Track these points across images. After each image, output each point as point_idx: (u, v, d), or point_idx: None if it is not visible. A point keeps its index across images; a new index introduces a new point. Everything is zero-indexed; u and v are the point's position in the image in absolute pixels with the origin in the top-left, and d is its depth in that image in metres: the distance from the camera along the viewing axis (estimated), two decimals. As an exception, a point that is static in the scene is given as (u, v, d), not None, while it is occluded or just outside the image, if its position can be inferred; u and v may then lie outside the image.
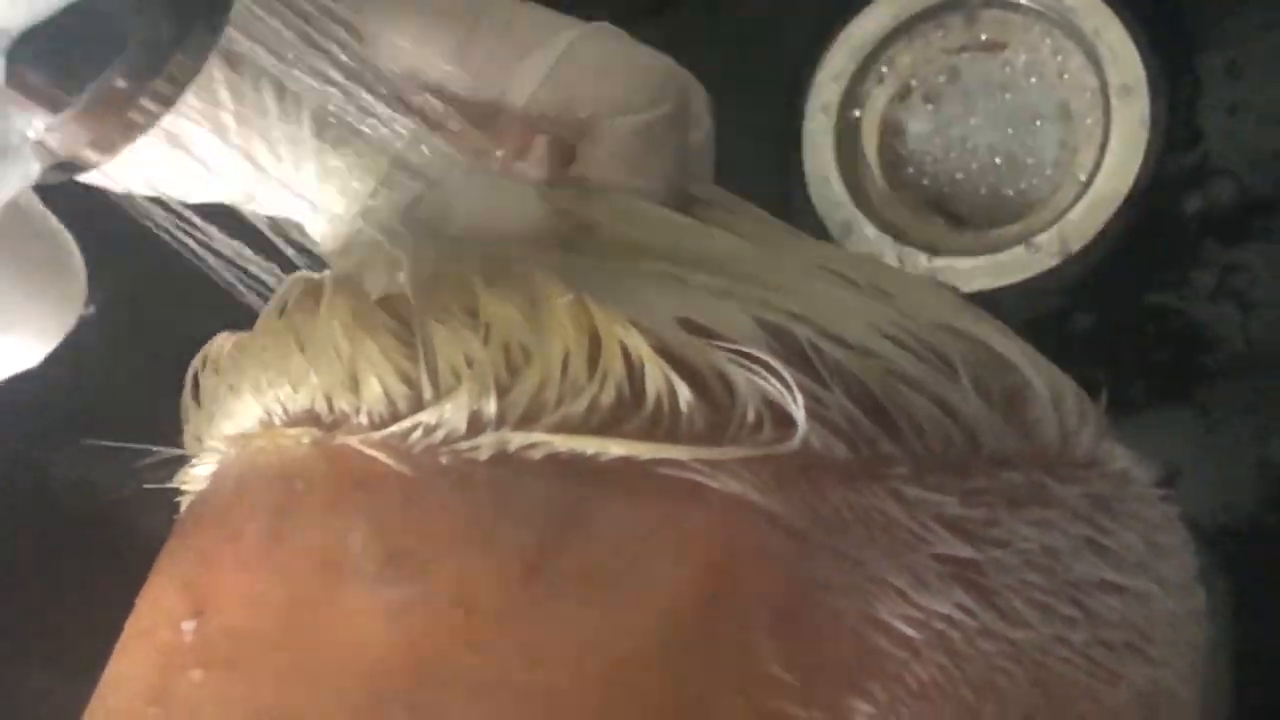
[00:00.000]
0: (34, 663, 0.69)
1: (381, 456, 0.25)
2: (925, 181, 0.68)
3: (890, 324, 0.27)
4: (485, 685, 0.23)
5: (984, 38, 0.67)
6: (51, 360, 0.31)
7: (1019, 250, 0.64)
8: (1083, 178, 0.65)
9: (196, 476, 0.29)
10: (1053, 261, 0.64)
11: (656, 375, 0.25)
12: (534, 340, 0.25)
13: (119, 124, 0.25)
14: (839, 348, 0.26)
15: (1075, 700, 0.26)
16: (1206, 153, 0.63)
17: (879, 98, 0.68)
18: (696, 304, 0.26)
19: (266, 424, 0.27)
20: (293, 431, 0.26)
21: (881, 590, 0.24)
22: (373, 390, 0.26)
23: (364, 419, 0.26)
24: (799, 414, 0.24)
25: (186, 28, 0.25)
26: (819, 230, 0.66)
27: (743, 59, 0.69)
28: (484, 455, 0.25)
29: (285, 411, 0.27)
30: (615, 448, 0.25)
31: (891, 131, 0.69)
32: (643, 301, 0.26)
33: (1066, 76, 0.66)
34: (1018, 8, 0.66)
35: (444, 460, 0.25)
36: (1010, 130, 0.67)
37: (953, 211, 0.68)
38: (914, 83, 0.68)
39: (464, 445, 0.25)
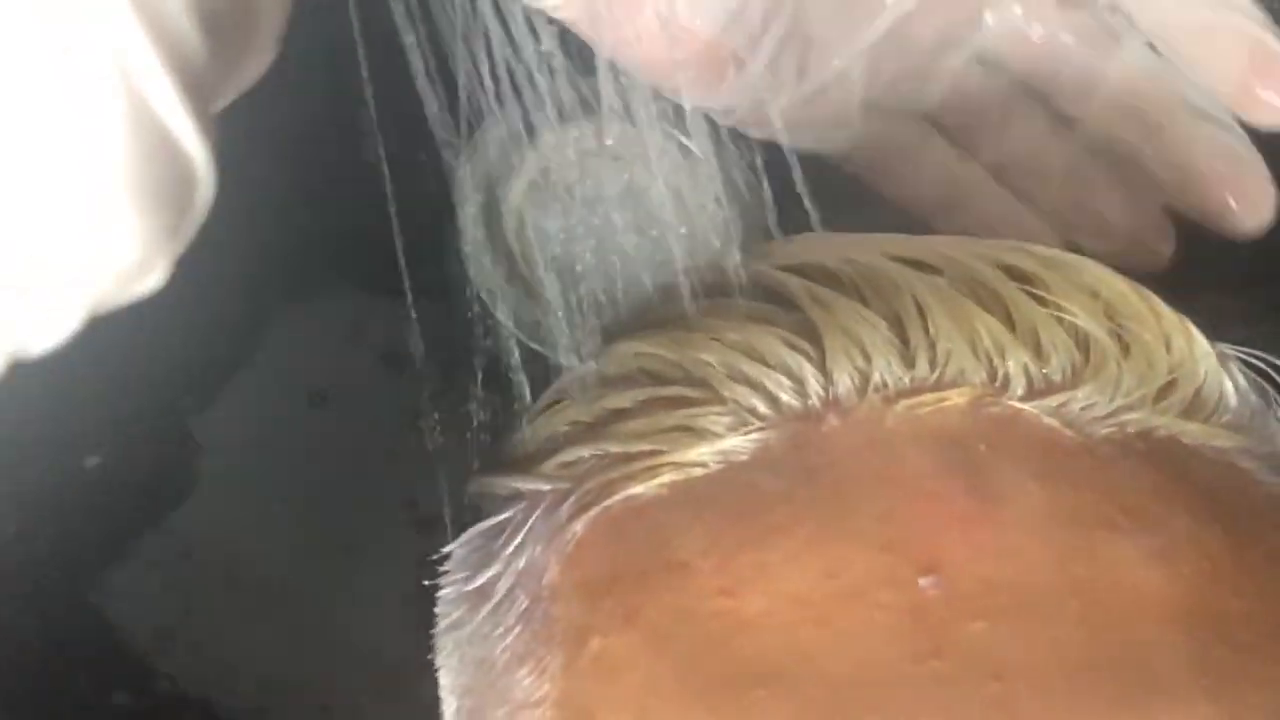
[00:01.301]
0: None
1: (1057, 424, 0.28)
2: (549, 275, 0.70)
3: None
4: (1254, 625, 0.26)
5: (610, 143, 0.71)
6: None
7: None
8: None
9: (730, 449, 0.29)
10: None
11: (1220, 377, 0.30)
12: (1128, 328, 0.30)
13: None
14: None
15: None
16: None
17: (517, 189, 0.69)
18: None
19: (889, 389, 0.29)
20: (954, 394, 0.28)
21: None
22: (1016, 362, 0.29)
23: (1020, 388, 0.29)
24: None
25: None
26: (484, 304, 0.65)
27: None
28: (1132, 429, 0.29)
29: (909, 376, 0.29)
30: (1231, 441, 0.30)
31: (524, 224, 0.70)
32: None
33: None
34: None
35: (1103, 431, 0.28)
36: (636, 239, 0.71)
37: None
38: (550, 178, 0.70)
39: (1116, 420, 0.29)
